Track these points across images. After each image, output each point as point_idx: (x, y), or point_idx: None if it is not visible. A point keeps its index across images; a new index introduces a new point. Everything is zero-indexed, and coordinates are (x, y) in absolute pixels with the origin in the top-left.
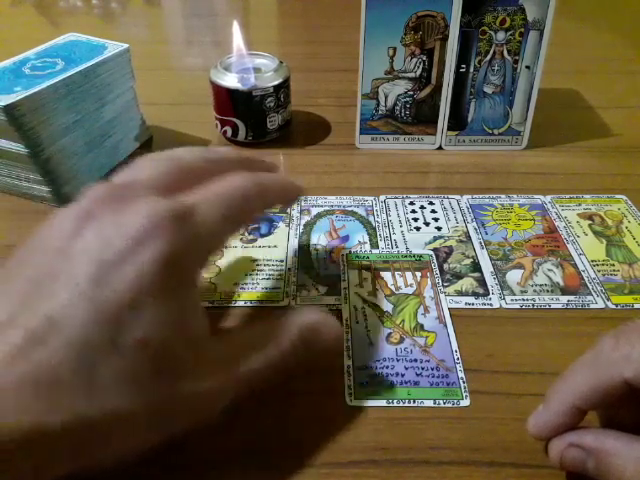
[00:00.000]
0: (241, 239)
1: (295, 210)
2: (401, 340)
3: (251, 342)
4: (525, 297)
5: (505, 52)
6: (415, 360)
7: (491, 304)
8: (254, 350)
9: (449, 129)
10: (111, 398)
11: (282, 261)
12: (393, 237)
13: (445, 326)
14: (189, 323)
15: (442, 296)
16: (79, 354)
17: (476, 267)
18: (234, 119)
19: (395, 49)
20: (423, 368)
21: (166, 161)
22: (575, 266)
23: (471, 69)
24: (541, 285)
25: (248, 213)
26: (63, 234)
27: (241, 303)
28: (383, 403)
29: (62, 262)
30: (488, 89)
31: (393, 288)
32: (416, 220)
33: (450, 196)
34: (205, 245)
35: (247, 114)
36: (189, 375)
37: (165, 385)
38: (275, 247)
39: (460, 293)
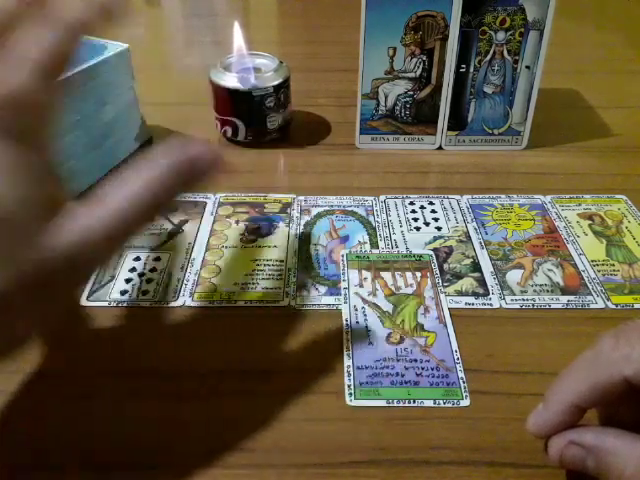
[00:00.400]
0: (241, 239)
1: (295, 210)
2: (401, 340)
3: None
4: (525, 297)
5: (505, 52)
6: (415, 360)
7: (491, 304)
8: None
9: (449, 129)
10: None
11: (282, 261)
12: (393, 237)
13: (445, 326)
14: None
15: (442, 296)
16: None
17: (476, 267)
18: (234, 119)
19: (395, 49)
20: (423, 368)
21: None
22: (575, 266)
23: (471, 69)
24: (541, 285)
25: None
26: None
27: (241, 303)
28: (383, 403)
29: None
30: (488, 89)
31: (393, 288)
32: (416, 220)
33: (450, 196)
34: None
35: (247, 114)
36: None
37: (27, 248)
38: (275, 247)
39: (460, 293)
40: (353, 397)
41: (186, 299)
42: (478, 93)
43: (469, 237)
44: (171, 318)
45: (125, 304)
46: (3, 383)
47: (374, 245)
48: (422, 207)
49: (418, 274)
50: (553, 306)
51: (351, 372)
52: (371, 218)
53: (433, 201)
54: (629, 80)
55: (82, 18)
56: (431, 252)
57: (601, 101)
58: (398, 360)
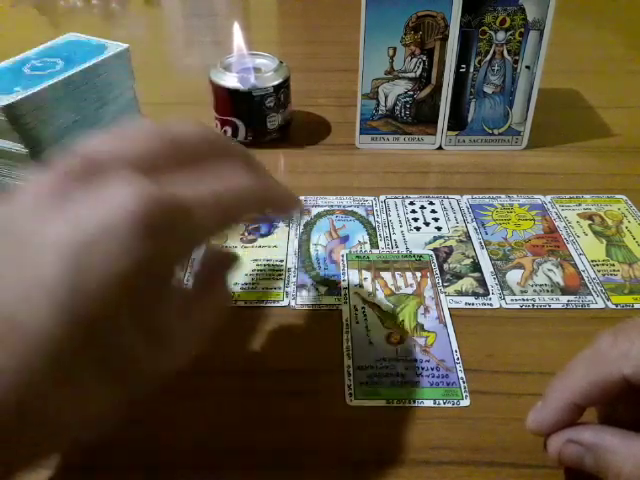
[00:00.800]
0: (241, 239)
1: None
2: (401, 340)
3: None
4: (525, 297)
5: (505, 52)
6: (415, 360)
7: (491, 304)
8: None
9: (449, 129)
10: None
11: (282, 261)
12: (393, 237)
13: (445, 326)
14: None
15: (442, 296)
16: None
17: (476, 267)
18: (234, 119)
19: (395, 49)
20: (423, 368)
21: (157, 134)
22: (575, 266)
23: (471, 69)
24: (541, 285)
25: (242, 216)
26: (26, 215)
27: (241, 303)
28: (383, 403)
29: (25, 250)
30: (488, 89)
31: (393, 288)
32: (416, 220)
33: (450, 196)
34: (189, 247)
35: (247, 114)
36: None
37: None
38: (275, 247)
39: (460, 293)
40: (353, 397)
41: None
42: (478, 93)
43: (469, 237)
44: None
45: None
46: None
47: (374, 245)
48: (422, 207)
49: (418, 274)
50: (553, 306)
51: (351, 372)
52: (371, 218)
53: (433, 201)
54: (629, 80)
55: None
56: (431, 252)
57: (601, 101)
58: (398, 360)
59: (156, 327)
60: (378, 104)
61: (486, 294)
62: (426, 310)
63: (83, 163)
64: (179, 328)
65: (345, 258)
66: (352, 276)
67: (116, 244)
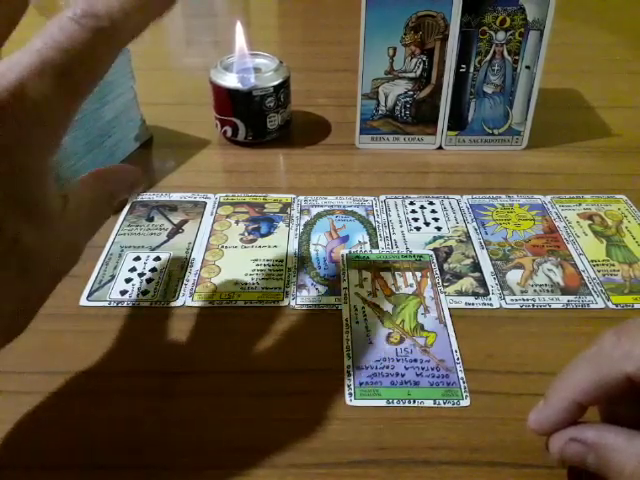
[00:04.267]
0: (241, 239)
1: (295, 210)
2: (401, 340)
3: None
4: (525, 297)
5: (505, 52)
6: (415, 360)
7: (491, 304)
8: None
9: (449, 129)
10: None
11: (282, 261)
12: (393, 237)
13: (445, 326)
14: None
15: (442, 296)
16: None
17: (476, 267)
18: (234, 119)
19: (395, 49)
20: (423, 368)
21: None
22: (575, 266)
23: (471, 69)
24: (541, 285)
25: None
26: None
27: (241, 303)
28: (383, 403)
29: None
30: (488, 89)
31: (393, 288)
32: (416, 220)
33: (450, 196)
34: (38, 127)
35: (247, 114)
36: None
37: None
38: (275, 247)
39: (460, 293)
40: (353, 397)
41: (186, 299)
42: (478, 93)
43: (469, 237)
44: (171, 318)
45: (125, 304)
46: (4, 383)
47: (374, 245)
48: (422, 207)
49: (418, 274)
50: (553, 306)
51: (351, 372)
52: (371, 218)
53: (433, 201)
54: (629, 80)
55: None
56: (431, 252)
57: (601, 101)
58: (398, 360)
59: (30, 200)
60: (378, 104)
61: (486, 294)
62: (426, 310)
63: None
64: (63, 211)
65: (345, 258)
66: (352, 276)
67: None
